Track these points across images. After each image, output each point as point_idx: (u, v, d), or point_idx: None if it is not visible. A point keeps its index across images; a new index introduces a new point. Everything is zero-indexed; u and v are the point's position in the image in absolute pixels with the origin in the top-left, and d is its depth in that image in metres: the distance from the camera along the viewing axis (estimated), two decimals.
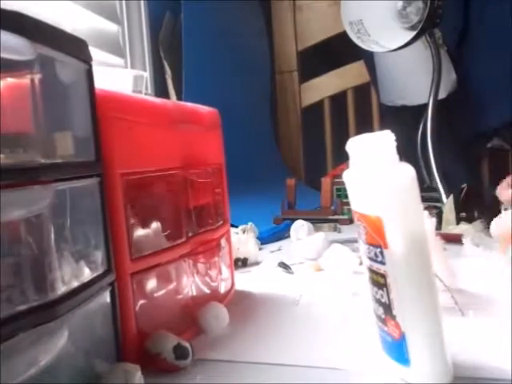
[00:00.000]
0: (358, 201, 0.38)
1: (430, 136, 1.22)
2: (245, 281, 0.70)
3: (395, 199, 0.36)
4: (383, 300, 0.38)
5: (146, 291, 0.45)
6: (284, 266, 0.77)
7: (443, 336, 0.37)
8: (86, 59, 0.39)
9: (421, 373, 0.37)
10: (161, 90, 1.29)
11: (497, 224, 0.75)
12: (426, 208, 1.19)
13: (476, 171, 1.51)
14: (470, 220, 1.09)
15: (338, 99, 1.80)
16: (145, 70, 1.24)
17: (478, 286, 0.62)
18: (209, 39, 1.43)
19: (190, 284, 0.52)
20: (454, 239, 0.91)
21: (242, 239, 0.85)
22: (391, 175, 0.36)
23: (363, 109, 1.76)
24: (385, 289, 0.37)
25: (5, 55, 0.30)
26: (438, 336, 0.37)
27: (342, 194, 1.20)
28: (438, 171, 1.19)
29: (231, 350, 0.47)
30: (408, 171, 0.37)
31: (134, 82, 0.60)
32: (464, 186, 1.19)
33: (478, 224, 1.07)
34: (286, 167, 1.78)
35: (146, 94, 0.63)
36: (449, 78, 1.38)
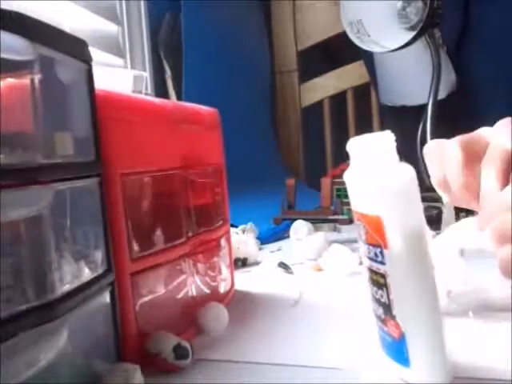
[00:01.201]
0: (359, 200, 0.38)
1: (430, 136, 1.22)
2: (245, 281, 0.70)
3: (395, 199, 0.36)
4: (383, 300, 0.38)
5: (146, 291, 0.45)
6: (284, 266, 0.77)
7: (444, 336, 0.37)
8: (86, 59, 0.39)
9: (421, 373, 0.37)
10: (161, 90, 1.29)
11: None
12: (425, 208, 1.18)
13: None
14: None
15: (338, 99, 1.80)
16: (145, 70, 1.24)
17: (477, 286, 0.62)
18: (209, 39, 1.43)
19: (190, 284, 0.52)
20: None
21: (242, 239, 0.85)
22: (391, 175, 0.36)
23: (363, 109, 1.76)
24: (384, 289, 0.37)
25: (5, 55, 0.30)
26: (438, 336, 0.37)
27: (341, 193, 1.20)
28: None
29: (231, 350, 0.47)
30: (408, 171, 0.37)
31: (133, 82, 0.60)
32: None
33: None
34: (286, 167, 1.78)
35: (146, 93, 0.63)
36: (449, 78, 1.38)
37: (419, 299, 0.37)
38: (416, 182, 0.37)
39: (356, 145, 0.38)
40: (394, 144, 0.37)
